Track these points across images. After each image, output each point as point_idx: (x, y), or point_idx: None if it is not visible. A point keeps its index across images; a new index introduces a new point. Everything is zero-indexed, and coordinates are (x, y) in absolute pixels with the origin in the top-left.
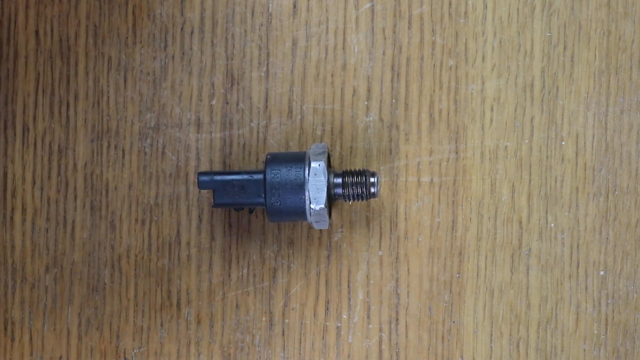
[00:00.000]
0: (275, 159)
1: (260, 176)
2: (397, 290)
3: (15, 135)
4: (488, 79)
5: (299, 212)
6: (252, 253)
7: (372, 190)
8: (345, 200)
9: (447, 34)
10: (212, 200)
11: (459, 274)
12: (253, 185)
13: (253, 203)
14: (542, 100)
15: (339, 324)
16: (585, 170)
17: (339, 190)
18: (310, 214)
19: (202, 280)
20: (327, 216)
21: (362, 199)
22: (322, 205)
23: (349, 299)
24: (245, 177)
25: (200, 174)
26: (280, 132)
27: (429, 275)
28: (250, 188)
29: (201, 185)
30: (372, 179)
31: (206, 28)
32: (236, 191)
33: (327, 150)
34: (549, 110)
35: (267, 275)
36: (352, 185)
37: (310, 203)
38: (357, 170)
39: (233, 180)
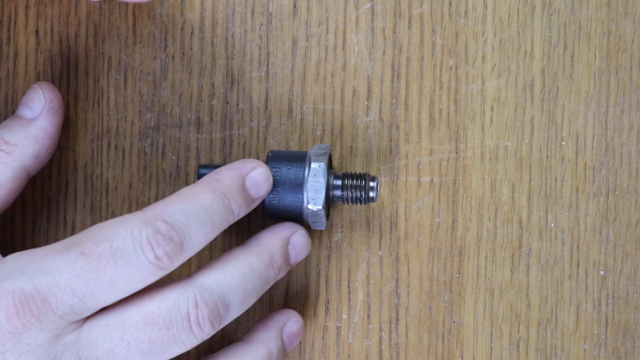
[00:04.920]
0: (276, 157)
1: None
2: (397, 290)
3: None
4: (488, 79)
5: (296, 212)
6: None
7: (371, 194)
8: (344, 203)
9: (447, 34)
10: None
11: (459, 274)
12: None
13: None
14: (542, 100)
15: (339, 324)
16: (585, 170)
17: (338, 193)
18: (307, 215)
19: None
20: (324, 217)
21: (361, 203)
22: (320, 207)
23: (349, 299)
24: None
25: (201, 167)
26: (280, 132)
27: (429, 275)
28: None
29: (200, 178)
30: (371, 183)
31: (206, 28)
32: None
33: (328, 151)
34: (549, 110)
35: None
36: (351, 189)
37: (308, 203)
38: (358, 173)
39: None
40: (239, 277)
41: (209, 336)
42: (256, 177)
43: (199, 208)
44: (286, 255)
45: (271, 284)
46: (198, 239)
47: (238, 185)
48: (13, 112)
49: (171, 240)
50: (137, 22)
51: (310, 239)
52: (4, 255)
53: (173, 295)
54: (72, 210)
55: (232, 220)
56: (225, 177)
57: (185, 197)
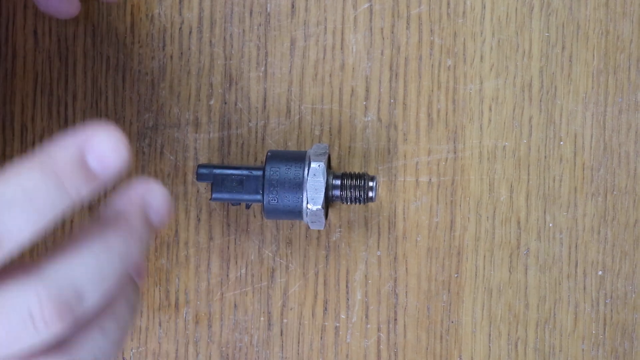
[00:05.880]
0: (275, 157)
1: (260, 172)
2: (395, 290)
3: (13, 135)
4: (486, 79)
5: (296, 211)
6: (250, 253)
7: (370, 194)
8: (343, 203)
9: (445, 34)
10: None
11: (457, 273)
12: (252, 181)
13: (250, 199)
14: (540, 100)
15: (338, 324)
16: (583, 170)
17: (337, 192)
18: (307, 214)
19: (200, 280)
20: (323, 217)
21: (360, 203)
22: (319, 206)
23: (347, 299)
24: (245, 172)
25: (200, 166)
26: (278, 132)
27: (427, 275)
28: (248, 184)
29: (199, 177)
30: (370, 183)
31: (204, 28)
32: (234, 186)
33: (328, 151)
34: (547, 110)
35: (265, 275)
36: (351, 188)
37: (307, 203)
38: (357, 173)
39: (232, 174)
40: (95, 264)
41: (65, 331)
42: (101, 147)
43: (17, 191)
44: (144, 219)
45: (138, 255)
46: (17, 228)
47: (76, 159)
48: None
49: None
50: (135, 22)
51: (168, 196)
52: None
53: (14, 291)
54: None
55: (67, 203)
56: (60, 150)
57: (4, 177)
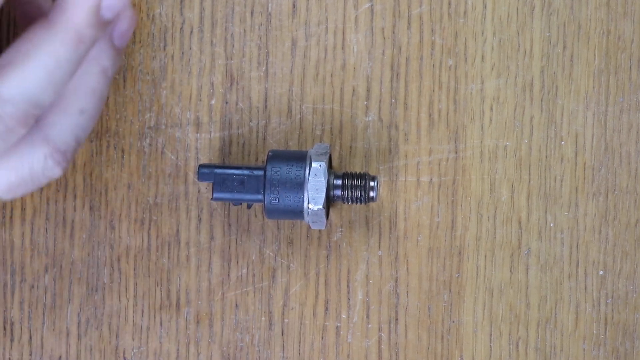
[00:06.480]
0: (276, 156)
1: (261, 172)
2: (396, 290)
3: None
4: (487, 79)
5: (297, 211)
6: (251, 253)
7: (372, 194)
8: (344, 202)
9: (446, 34)
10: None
11: (458, 273)
12: (253, 181)
13: (251, 199)
14: (541, 100)
15: (339, 324)
16: (584, 169)
17: (338, 192)
18: (308, 214)
19: (201, 280)
20: (324, 217)
21: (361, 202)
22: (321, 206)
23: (349, 299)
24: (246, 172)
25: (201, 166)
26: (279, 131)
27: (429, 275)
28: (249, 184)
29: (201, 177)
30: (372, 183)
31: (205, 28)
32: (235, 186)
33: (329, 151)
34: (548, 109)
35: (266, 275)
36: (352, 188)
37: (308, 203)
38: (358, 173)
39: (233, 174)
40: (44, 74)
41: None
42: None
43: (53, 68)
44: (99, 25)
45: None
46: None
47: (92, 14)
48: None
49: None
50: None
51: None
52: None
53: None
54: (71, 210)
55: (84, 55)
56: (78, 16)
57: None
